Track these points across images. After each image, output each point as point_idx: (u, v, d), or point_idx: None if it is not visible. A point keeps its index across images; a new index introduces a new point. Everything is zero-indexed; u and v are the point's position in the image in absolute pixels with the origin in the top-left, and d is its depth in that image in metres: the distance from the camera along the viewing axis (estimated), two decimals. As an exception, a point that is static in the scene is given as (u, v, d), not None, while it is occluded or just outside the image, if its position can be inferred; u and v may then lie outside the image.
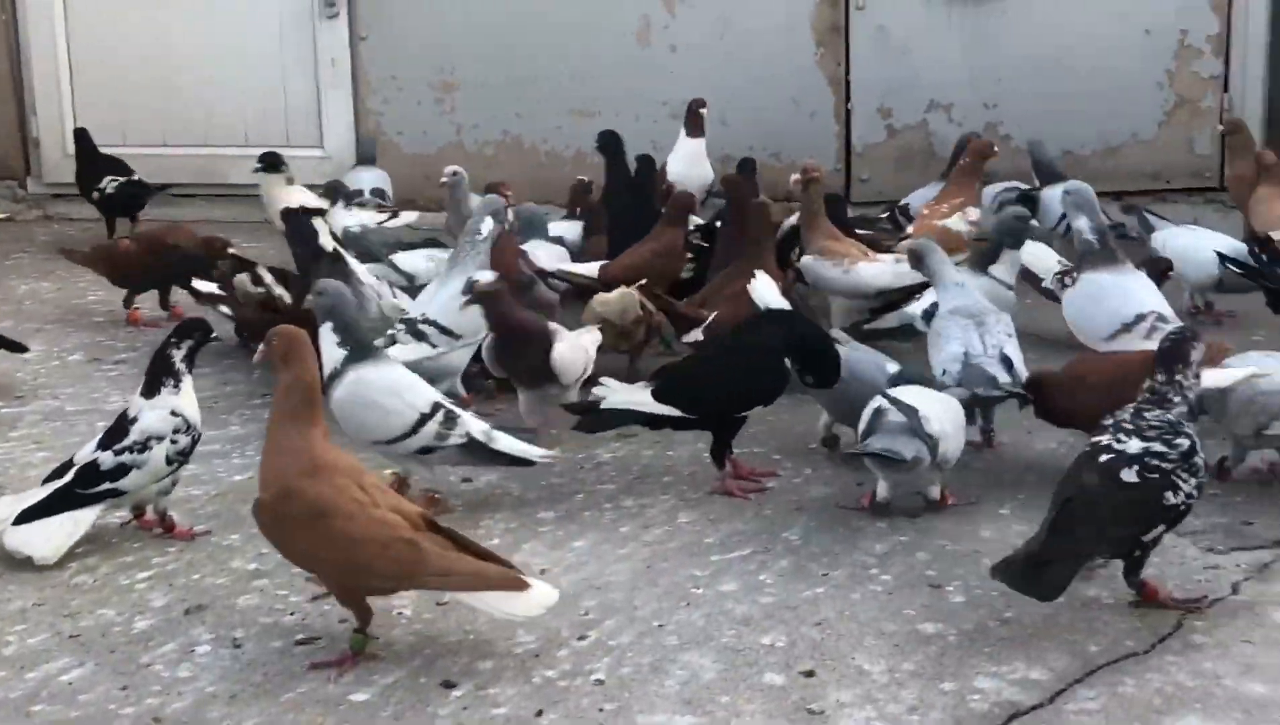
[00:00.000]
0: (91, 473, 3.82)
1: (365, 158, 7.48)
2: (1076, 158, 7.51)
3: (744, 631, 3.37)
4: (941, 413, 3.93)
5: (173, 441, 3.88)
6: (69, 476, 3.85)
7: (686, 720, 3.00)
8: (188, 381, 3.94)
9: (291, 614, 3.49)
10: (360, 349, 4.04)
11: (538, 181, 7.46)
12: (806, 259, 5.47)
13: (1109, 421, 3.43)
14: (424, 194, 7.24)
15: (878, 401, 3.98)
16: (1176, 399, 3.41)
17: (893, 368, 4.32)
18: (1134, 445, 3.34)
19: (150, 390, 3.91)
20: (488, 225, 4.97)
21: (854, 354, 4.36)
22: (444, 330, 4.78)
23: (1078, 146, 7.59)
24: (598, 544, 3.87)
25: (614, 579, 3.66)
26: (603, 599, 3.54)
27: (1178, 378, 3.43)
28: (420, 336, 4.76)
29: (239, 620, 3.47)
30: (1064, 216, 6.39)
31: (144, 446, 3.85)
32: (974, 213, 5.89)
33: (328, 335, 4.02)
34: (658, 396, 4.16)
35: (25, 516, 3.77)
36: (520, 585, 3.18)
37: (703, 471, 4.33)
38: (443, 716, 3.02)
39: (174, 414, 3.90)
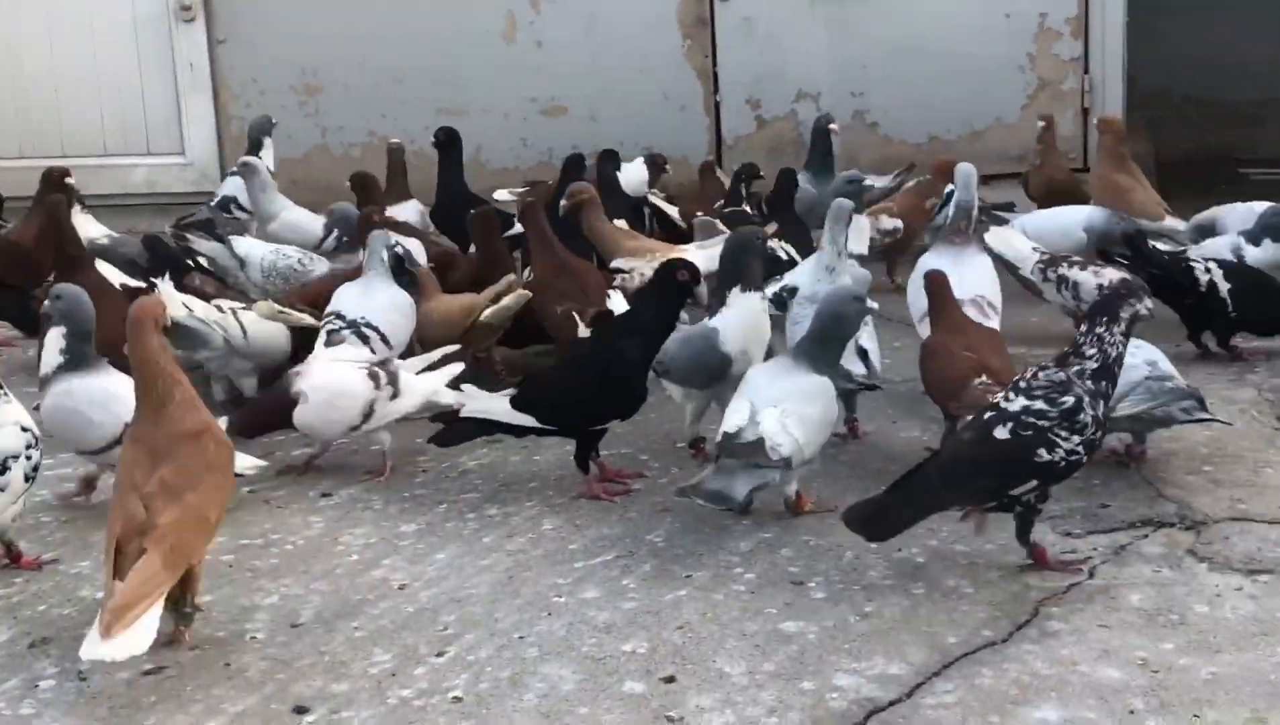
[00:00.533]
0: (-48, 508, 3.69)
1: (254, 143, 7.20)
2: (943, 142, 7.60)
3: (605, 639, 3.33)
4: (795, 423, 3.79)
5: (27, 457, 3.77)
6: (-72, 515, 3.71)
7: (544, 735, 2.96)
8: (7, 389, 3.85)
9: (140, 643, 3.39)
10: (79, 358, 4.06)
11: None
12: (618, 262, 5.44)
13: (1012, 382, 3.57)
14: (291, 198, 7.10)
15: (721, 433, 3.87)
16: (1090, 352, 3.49)
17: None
18: (1017, 404, 3.44)
19: None
20: (381, 258, 5.01)
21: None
22: (383, 337, 4.80)
23: (943, 131, 7.67)
24: (459, 556, 3.81)
25: (475, 591, 3.60)
26: (463, 613, 3.48)
27: (1098, 330, 3.50)
28: (364, 339, 4.75)
29: (86, 652, 3.36)
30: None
31: (3, 468, 3.73)
32: (888, 223, 5.90)
33: (55, 340, 4.09)
34: (516, 405, 4.11)
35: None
36: (106, 630, 3.03)
37: (569, 475, 4.29)
38: (294, 744, 2.96)
39: (23, 429, 3.78)
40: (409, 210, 6.51)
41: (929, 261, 4.83)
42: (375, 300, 4.91)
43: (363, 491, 4.28)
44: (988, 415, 3.48)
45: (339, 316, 4.84)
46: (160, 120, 7.98)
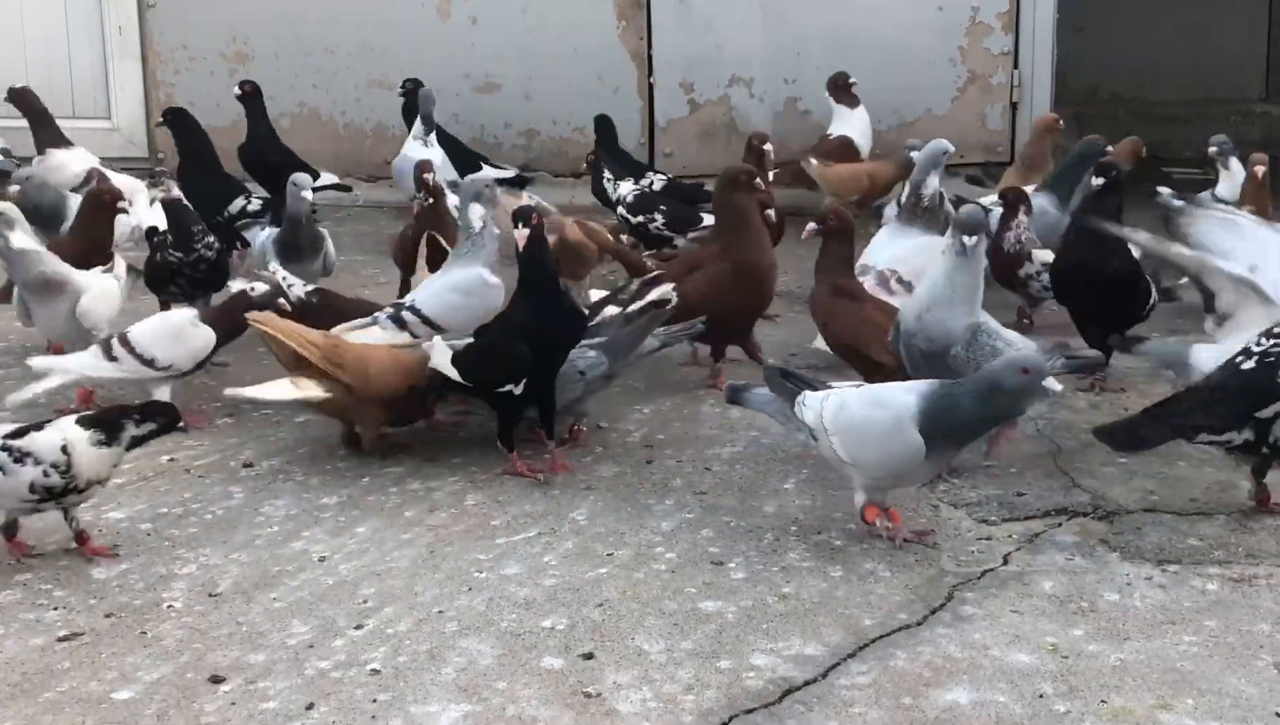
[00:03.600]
0: None
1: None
2: (874, 132, 7.64)
3: (525, 615, 3.34)
4: (833, 410, 3.66)
5: None
6: None
7: (461, 708, 2.96)
8: None
9: (55, 609, 3.36)
10: None
11: (338, 155, 7.33)
12: None
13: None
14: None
15: None
16: None
17: None
18: (1262, 345, 3.84)
19: None
20: (478, 214, 4.65)
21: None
22: (426, 320, 4.58)
23: (874, 121, 7.68)
24: (380, 529, 3.81)
25: (395, 565, 3.60)
26: (382, 586, 3.48)
27: None
28: (401, 324, 4.58)
29: (-2, 618, 3.33)
30: None
31: None
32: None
33: None
34: (453, 361, 4.11)
35: None
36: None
37: (494, 452, 4.28)
38: (209, 713, 2.93)
39: None
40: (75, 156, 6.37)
41: (879, 236, 5.00)
42: (435, 281, 4.72)
43: (285, 463, 4.26)
44: (1237, 357, 3.87)
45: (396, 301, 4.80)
46: (87, 83, 7.87)
